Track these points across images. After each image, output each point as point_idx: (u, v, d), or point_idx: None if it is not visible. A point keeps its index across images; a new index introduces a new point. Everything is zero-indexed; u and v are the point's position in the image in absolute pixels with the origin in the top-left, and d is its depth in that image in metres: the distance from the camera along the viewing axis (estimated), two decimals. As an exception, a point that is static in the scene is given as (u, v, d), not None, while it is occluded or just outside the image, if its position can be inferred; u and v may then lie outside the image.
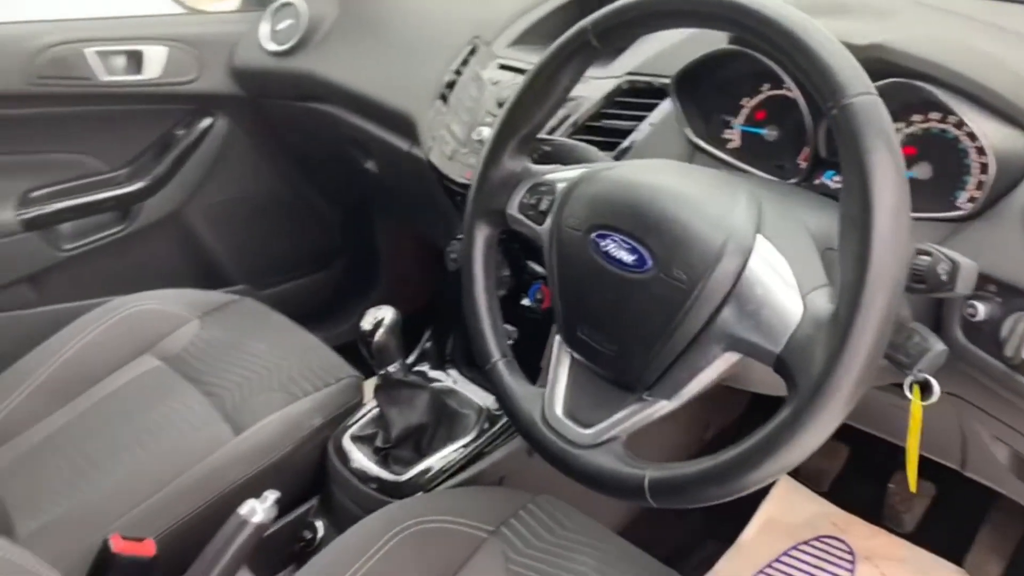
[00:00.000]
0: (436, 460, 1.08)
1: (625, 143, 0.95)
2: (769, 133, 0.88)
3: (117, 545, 0.97)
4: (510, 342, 1.10)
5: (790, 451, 0.57)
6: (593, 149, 0.85)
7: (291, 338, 1.32)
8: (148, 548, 1.00)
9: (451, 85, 1.19)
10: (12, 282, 1.45)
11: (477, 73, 1.14)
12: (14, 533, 0.95)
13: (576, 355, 0.74)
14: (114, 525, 1.01)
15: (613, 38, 0.70)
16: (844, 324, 0.54)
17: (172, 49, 1.49)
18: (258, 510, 0.92)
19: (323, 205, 1.79)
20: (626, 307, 0.67)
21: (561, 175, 0.77)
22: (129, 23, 1.48)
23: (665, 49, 1.00)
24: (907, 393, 0.63)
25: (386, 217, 1.80)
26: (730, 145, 0.90)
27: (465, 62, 1.19)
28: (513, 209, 0.78)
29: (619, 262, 0.67)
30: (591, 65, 0.75)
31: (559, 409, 0.74)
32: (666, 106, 0.94)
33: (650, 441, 0.73)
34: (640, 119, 0.96)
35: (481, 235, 0.81)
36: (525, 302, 1.11)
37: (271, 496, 0.94)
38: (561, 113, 1.01)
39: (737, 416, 1.51)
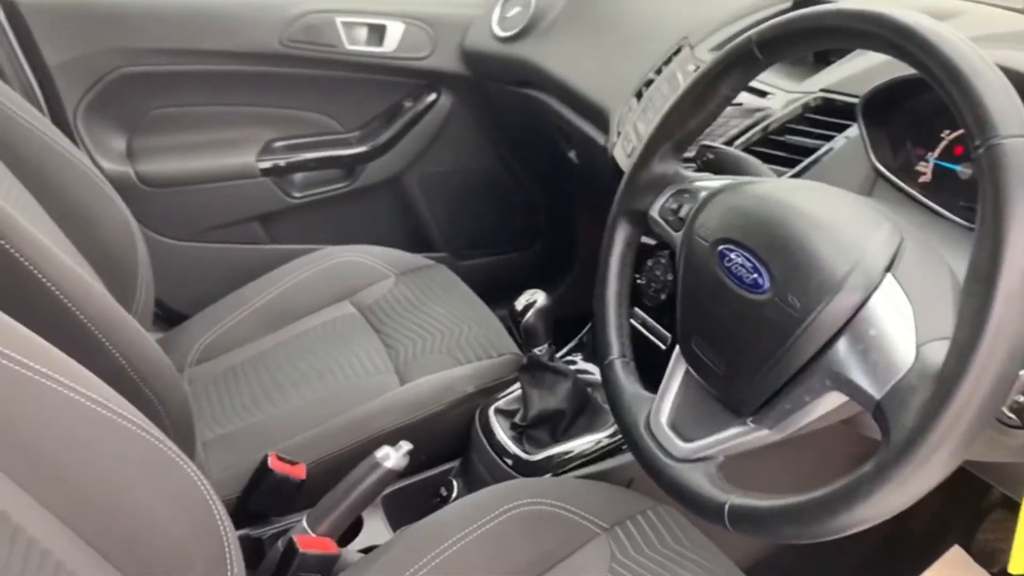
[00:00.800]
0: (568, 448, 1.10)
1: (805, 162, 0.91)
2: (964, 171, 0.80)
3: (273, 463, 1.09)
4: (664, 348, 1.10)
5: (868, 507, 0.53)
6: (759, 163, 0.82)
7: (470, 308, 1.39)
8: (299, 471, 1.11)
9: (649, 84, 1.19)
10: (246, 219, 1.64)
11: (673, 73, 1.14)
12: (194, 438, 1.09)
13: (689, 368, 0.73)
14: (278, 446, 1.13)
15: (776, 51, 0.68)
16: (948, 384, 0.50)
17: (409, 26, 1.61)
18: (391, 456, 0.99)
19: (530, 188, 1.85)
20: (739, 327, 0.65)
21: (707, 183, 0.76)
22: (374, -1, 1.62)
23: (871, 68, 0.94)
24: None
25: (585, 207, 1.83)
26: (921, 179, 0.83)
27: (668, 62, 1.19)
28: (655, 212, 0.78)
29: (739, 279, 0.65)
30: (753, 77, 0.72)
31: (664, 418, 0.73)
32: (855, 129, 0.89)
33: (747, 466, 0.70)
34: (828, 139, 0.92)
35: (622, 234, 0.82)
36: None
37: (405, 446, 1.00)
38: (745, 122, 0.98)
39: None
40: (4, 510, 0.56)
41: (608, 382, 0.80)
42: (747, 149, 0.96)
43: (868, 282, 0.59)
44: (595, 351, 1.29)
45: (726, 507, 0.63)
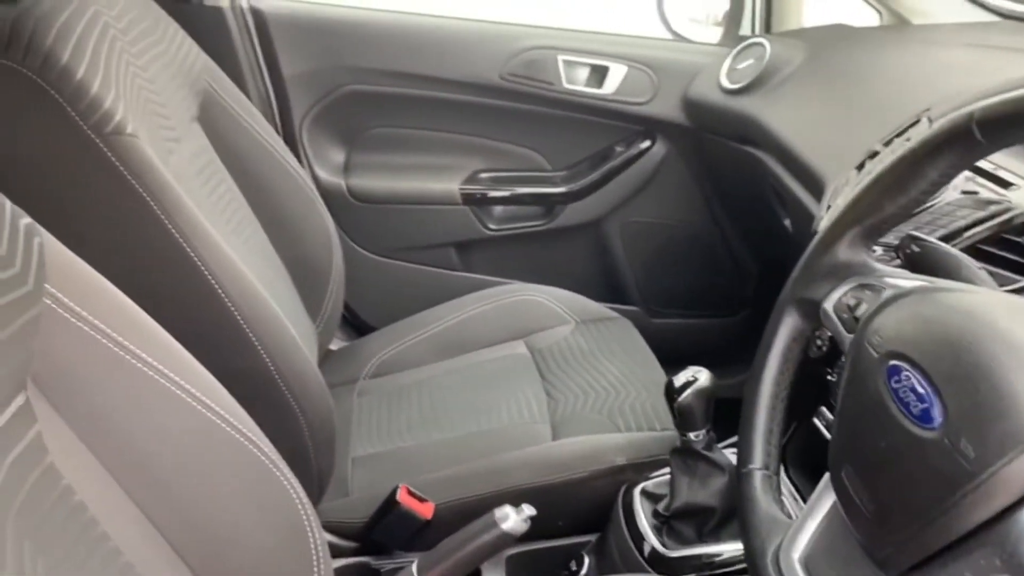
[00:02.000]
0: (714, 551, 0.97)
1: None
2: None
3: (403, 496, 1.06)
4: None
5: None
6: (974, 267, 0.67)
7: (643, 372, 1.31)
8: (427, 510, 1.07)
9: (874, 155, 1.04)
10: (442, 244, 1.66)
11: (903, 146, 0.98)
12: (334, 452, 1.09)
13: (836, 501, 0.60)
14: (417, 478, 1.11)
15: (1003, 134, 0.54)
16: None
17: (632, 69, 1.55)
18: (511, 518, 0.92)
19: (742, 251, 1.71)
20: (896, 464, 0.52)
21: (898, 281, 0.62)
22: (599, 39, 1.57)
23: None
24: None
25: None
26: None
27: (900, 133, 1.03)
28: (829, 304, 0.66)
29: (905, 405, 0.52)
30: (972, 163, 0.59)
31: (797, 553, 0.61)
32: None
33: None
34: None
35: (788, 323, 0.70)
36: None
37: (527, 511, 0.93)
38: (976, 215, 0.82)
39: None
40: (94, 515, 0.57)
41: (742, 494, 0.68)
42: (972, 247, 0.80)
43: None
44: (805, 458, 1.15)
45: None
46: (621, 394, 1.23)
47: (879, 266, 0.65)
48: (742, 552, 0.96)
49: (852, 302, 0.64)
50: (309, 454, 1.01)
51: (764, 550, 0.63)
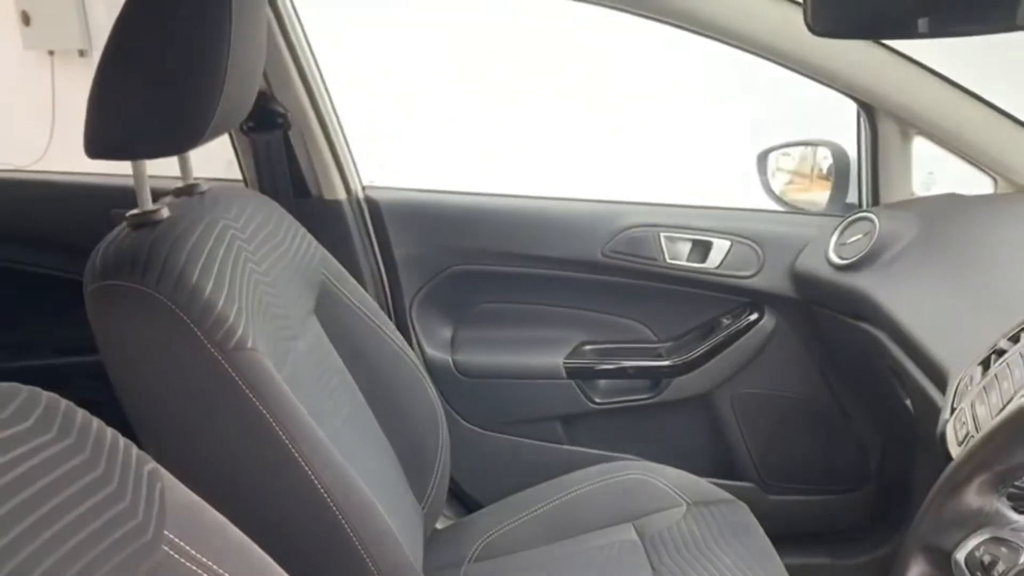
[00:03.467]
0: None
1: None
2: None
3: None
4: None
5: None
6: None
7: (760, 563, 1.24)
8: None
9: (1001, 353, 0.98)
10: (548, 417, 1.65)
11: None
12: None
13: None
14: None
15: None
16: None
17: (736, 244, 1.55)
18: None
19: (862, 425, 1.63)
20: None
21: (1040, 541, 0.57)
22: (701, 213, 1.59)
23: None
24: None
25: (928, 455, 1.56)
26: None
27: (1028, 329, 0.98)
28: (960, 556, 0.61)
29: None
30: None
31: None
32: None
33: None
34: None
35: (915, 572, 0.64)
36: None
37: None
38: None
39: None
40: None
41: None
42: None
43: None
44: None
45: None
46: None
47: (1016, 516, 0.60)
48: None
49: (987, 559, 0.59)
50: None
51: None
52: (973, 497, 0.62)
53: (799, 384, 1.62)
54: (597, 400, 1.64)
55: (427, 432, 1.32)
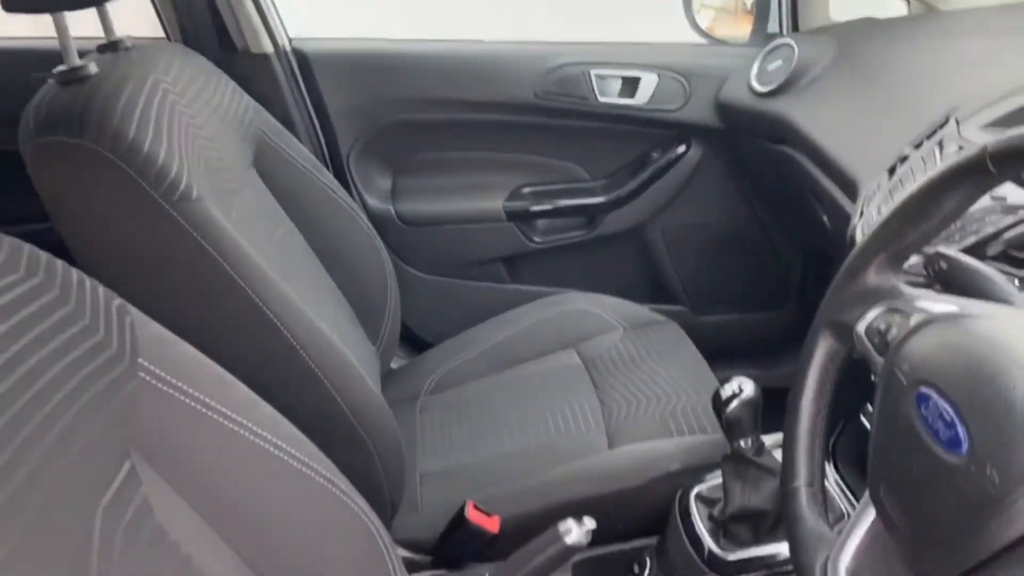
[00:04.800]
0: (772, 552, 1.01)
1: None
2: None
3: (471, 512, 1.11)
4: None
5: None
6: (1004, 284, 0.69)
7: (694, 374, 1.34)
8: (493, 524, 1.12)
9: (904, 160, 1.06)
10: (490, 259, 1.71)
11: (931, 151, 1.00)
12: (403, 474, 1.15)
13: (877, 516, 0.64)
14: (482, 492, 1.16)
15: (1015, 167, 0.58)
16: None
17: (663, 78, 1.58)
18: (573, 532, 0.97)
19: (784, 245, 1.74)
20: (927, 487, 0.56)
21: (925, 305, 0.66)
22: (629, 49, 1.61)
23: None
24: None
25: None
26: None
27: (931, 136, 1.05)
28: (861, 328, 0.69)
29: (934, 432, 0.56)
30: (985, 192, 0.62)
31: (843, 566, 0.65)
32: None
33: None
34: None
35: (823, 346, 0.73)
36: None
37: (588, 524, 0.98)
38: (1005, 220, 0.84)
39: None
40: (188, 554, 0.63)
41: (788, 512, 0.72)
42: (1003, 254, 0.82)
43: None
44: (854, 456, 1.18)
45: None
46: (672, 399, 1.27)
47: (908, 290, 0.69)
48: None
49: (883, 326, 0.67)
50: (381, 481, 1.07)
51: (812, 564, 0.67)
52: (872, 277, 0.70)
53: (725, 212, 1.71)
54: (536, 239, 1.70)
55: (375, 279, 1.37)
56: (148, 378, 0.63)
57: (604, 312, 1.47)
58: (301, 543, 0.74)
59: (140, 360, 0.63)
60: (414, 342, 1.76)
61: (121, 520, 0.57)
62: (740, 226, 1.72)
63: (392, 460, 1.11)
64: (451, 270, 1.72)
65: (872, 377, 0.77)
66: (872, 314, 0.69)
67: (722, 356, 1.40)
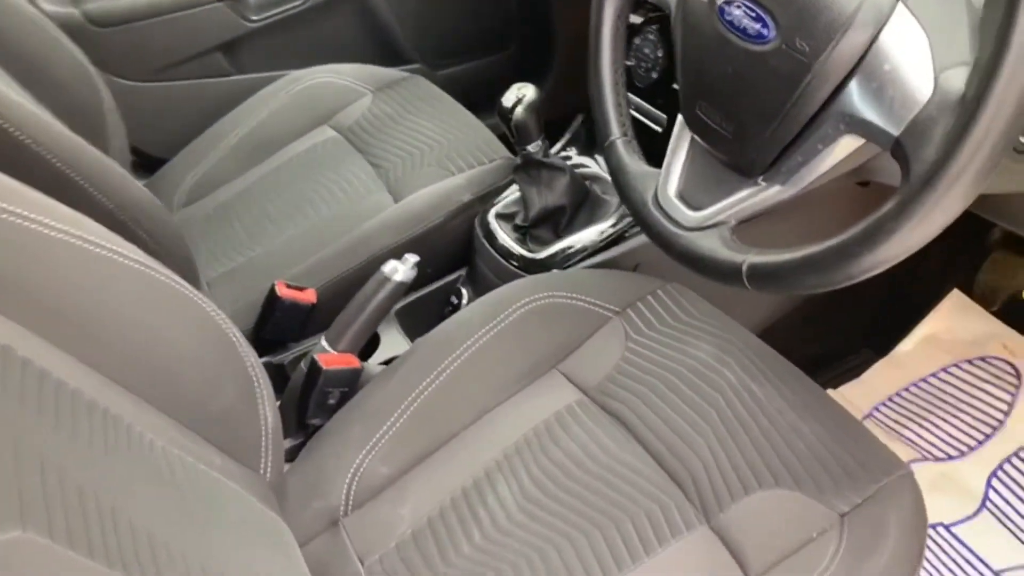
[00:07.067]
0: (572, 242, 1.10)
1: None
2: None
3: (281, 290, 1.09)
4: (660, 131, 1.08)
5: (891, 245, 0.53)
6: None
7: (454, 117, 1.36)
8: (309, 296, 1.11)
9: None
10: (207, 50, 1.55)
11: None
12: (199, 280, 1.08)
13: (695, 136, 0.71)
14: (282, 275, 1.13)
15: None
16: (971, 106, 0.48)
17: None
18: (399, 269, 0.99)
19: None
20: (745, 82, 0.63)
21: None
22: None
23: None
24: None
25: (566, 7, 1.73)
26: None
27: None
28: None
29: (743, 32, 0.62)
30: None
31: (672, 190, 0.72)
32: None
33: (760, 230, 0.70)
34: None
35: (611, 6, 0.77)
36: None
37: (411, 259, 1.00)
38: None
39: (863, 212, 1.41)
40: (27, 357, 0.56)
41: (611, 163, 0.78)
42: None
43: (878, 15, 0.55)
44: (594, 135, 1.26)
45: (744, 266, 0.63)
46: (443, 142, 1.29)
47: None
48: (596, 234, 1.11)
49: None
50: None
51: (644, 200, 0.74)
52: None
53: None
54: (253, 18, 1.56)
55: (88, 97, 1.19)
56: None
57: (346, 81, 1.42)
58: (143, 335, 0.70)
59: None
60: (149, 165, 1.59)
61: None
62: None
63: (181, 256, 1.04)
64: (167, 71, 1.54)
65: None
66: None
67: (469, 106, 1.41)
